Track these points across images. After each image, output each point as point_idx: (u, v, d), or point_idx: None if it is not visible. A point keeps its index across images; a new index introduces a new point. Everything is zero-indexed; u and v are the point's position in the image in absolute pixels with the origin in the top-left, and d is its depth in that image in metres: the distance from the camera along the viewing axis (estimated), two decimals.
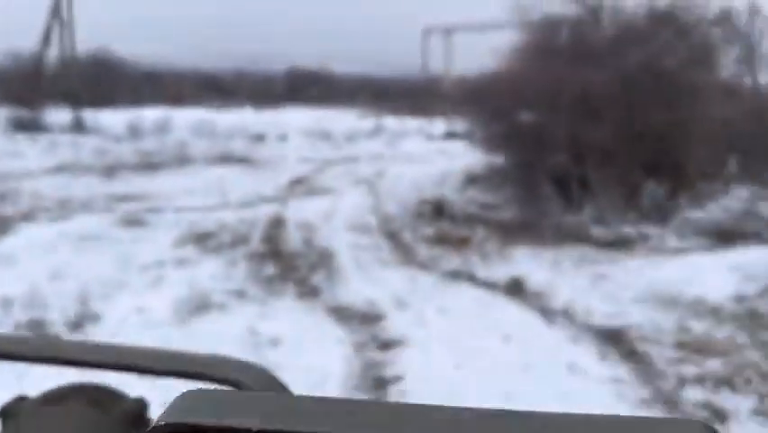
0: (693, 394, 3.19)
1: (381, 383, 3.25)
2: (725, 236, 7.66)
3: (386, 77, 37.04)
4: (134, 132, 17.74)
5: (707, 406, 3.04)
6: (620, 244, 7.24)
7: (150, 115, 18.97)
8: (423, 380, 3.27)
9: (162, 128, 18.60)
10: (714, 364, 3.57)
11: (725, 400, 3.14)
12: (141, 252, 6.20)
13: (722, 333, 4.12)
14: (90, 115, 18.14)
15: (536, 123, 9.35)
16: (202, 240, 6.81)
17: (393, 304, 4.75)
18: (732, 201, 9.50)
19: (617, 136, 8.50)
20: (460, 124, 23.42)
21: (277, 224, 7.98)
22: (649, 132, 9.42)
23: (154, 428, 0.21)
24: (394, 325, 4.20)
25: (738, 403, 3.10)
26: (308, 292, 5.23)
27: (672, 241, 7.56)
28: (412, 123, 29.26)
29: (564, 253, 6.81)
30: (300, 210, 8.89)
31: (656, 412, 3.00)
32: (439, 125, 29.47)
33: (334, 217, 8.58)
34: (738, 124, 11.70)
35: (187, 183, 11.26)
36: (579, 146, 8.63)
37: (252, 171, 13.41)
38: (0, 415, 0.34)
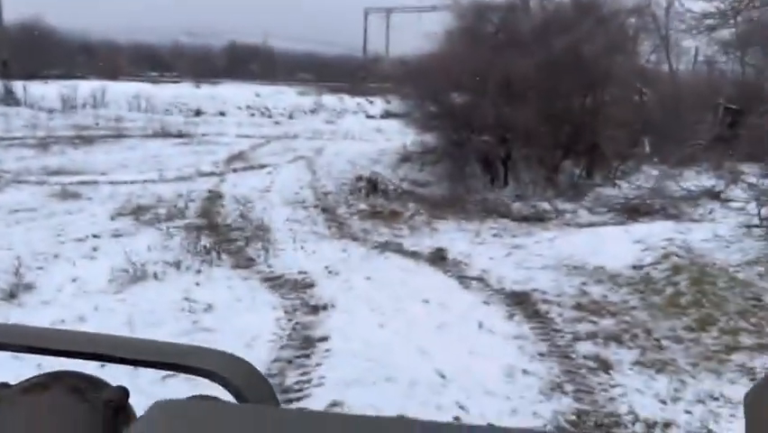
0: (585, 348, 3.68)
1: (309, 343, 3.58)
2: (633, 212, 8.38)
3: (327, 55, 36.84)
4: (68, 104, 17.09)
5: (595, 358, 3.54)
6: (537, 219, 7.82)
7: (84, 87, 18.27)
8: (348, 339, 3.61)
9: (97, 101, 17.99)
10: (606, 323, 4.09)
11: (612, 353, 3.65)
12: (77, 224, 6.24)
13: (617, 296, 4.68)
14: (21, 87, 17.30)
15: (466, 104, 9.79)
16: (138, 213, 6.88)
17: (324, 273, 5.07)
18: (642, 180, 10.26)
19: (539, 119, 9.06)
20: (398, 104, 23.78)
21: (214, 198, 8.10)
22: (569, 115, 10.07)
23: None
24: (324, 291, 4.53)
25: (623, 356, 3.61)
26: (243, 263, 5.47)
27: (585, 216, 8.21)
28: (351, 101, 29.37)
29: (486, 226, 7.32)
30: (238, 185, 9.02)
31: (551, 364, 3.47)
32: (378, 105, 29.75)
33: (272, 192, 8.77)
34: (652, 109, 12.61)
35: (123, 157, 11.11)
36: (504, 128, 9.14)
37: (190, 146, 13.30)
38: None
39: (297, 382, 2.99)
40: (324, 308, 4.12)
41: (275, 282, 4.85)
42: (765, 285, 4.83)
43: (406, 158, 11.49)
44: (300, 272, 5.12)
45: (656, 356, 3.51)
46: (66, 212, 6.77)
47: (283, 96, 28.14)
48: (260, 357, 3.26)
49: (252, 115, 24.21)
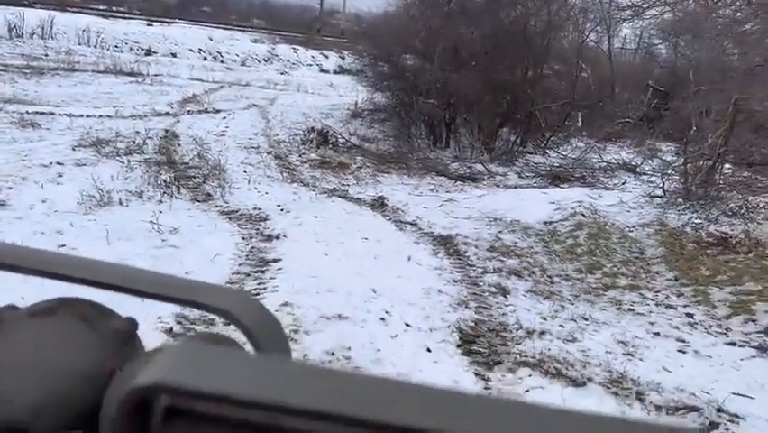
0: (490, 279, 4.48)
1: (264, 263, 4.22)
2: (555, 178, 9.31)
3: (283, 3, 36.23)
4: (15, 32, 16.52)
5: (497, 286, 4.35)
6: (471, 179, 8.61)
7: (31, 16, 17.63)
8: (297, 261, 4.27)
9: (45, 32, 17.44)
10: (512, 262, 4.92)
11: (511, 283, 4.46)
12: (40, 151, 6.55)
13: (525, 243, 5.52)
14: None
15: (416, 68, 10.39)
16: (98, 145, 7.21)
17: (276, 210, 5.68)
18: (570, 151, 11.22)
19: (482, 87, 9.77)
20: (352, 61, 24.01)
21: (171, 137, 8.46)
22: (509, 86, 10.83)
23: (137, 388, 0.20)
24: (276, 224, 5.15)
25: (519, 286, 4.43)
26: (202, 197, 5.99)
27: (514, 179, 9.07)
28: (306, 54, 29.26)
29: (425, 181, 8.06)
30: (193, 127, 9.37)
31: (461, 288, 4.22)
32: (332, 59, 29.77)
33: (226, 136, 9.19)
34: (590, 86, 13.55)
35: (75, 91, 11.15)
36: (449, 93, 9.81)
37: (143, 86, 13.35)
38: None
39: (254, 289, 3.64)
40: (277, 237, 4.76)
41: (232, 215, 5.43)
42: (650, 243, 5.79)
43: (356, 114, 12.03)
44: (255, 209, 5.71)
45: (546, 288, 4.36)
46: (27, 140, 7.03)
47: (237, 43, 27.76)
48: (222, 270, 3.89)
49: (205, 59, 23.90)
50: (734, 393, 2.89)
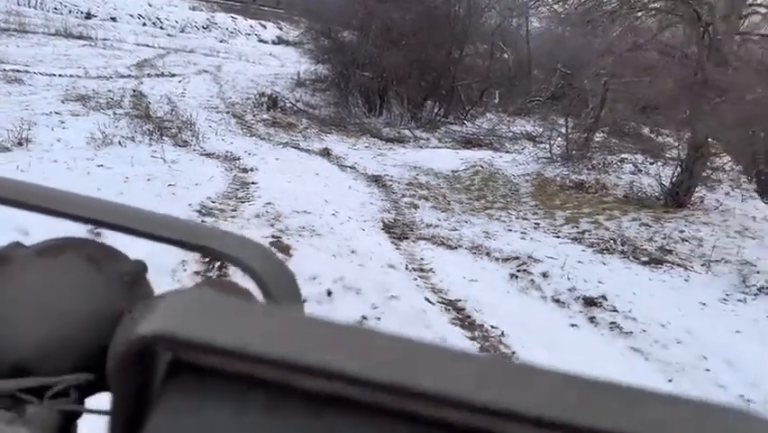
0: (406, 200, 6.30)
1: (246, 183, 5.83)
2: (468, 143, 11.25)
3: None
4: None
5: (410, 204, 6.16)
6: (399, 141, 10.41)
7: None
8: (269, 184, 5.89)
9: None
10: (423, 192, 6.76)
11: (421, 203, 6.29)
12: (36, 103, 7.76)
13: (435, 182, 7.38)
14: None
15: (354, 43, 12.01)
16: (82, 100, 8.45)
17: (245, 154, 7.25)
18: (484, 122, 13.21)
19: (410, 65, 11.53)
20: (291, 32, 25.20)
21: (139, 96, 9.73)
22: (435, 63, 12.65)
23: (138, 338, 0.20)
24: (247, 162, 6.74)
25: (426, 204, 6.27)
26: (182, 143, 7.46)
27: (434, 142, 10.94)
28: (244, 23, 30.01)
29: (361, 141, 9.79)
30: (155, 88, 10.62)
31: (386, 204, 6.00)
32: (270, 30, 30.67)
33: (187, 97, 10.51)
34: (510, 66, 15.56)
35: (35, 52, 12.01)
36: (382, 67, 11.50)
37: (96, 49, 14.22)
38: None
39: (243, 196, 5.27)
40: (251, 170, 6.37)
41: (211, 156, 6.96)
42: (526, 186, 7.78)
43: (300, 83, 13.52)
44: (227, 152, 7.25)
45: (445, 206, 6.24)
46: (20, 93, 8.19)
47: (175, 9, 28.15)
48: (219, 185, 5.48)
49: (144, 24, 24.38)
50: (547, 256, 4.83)
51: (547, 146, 10.39)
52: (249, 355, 0.19)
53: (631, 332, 3.64)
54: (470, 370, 0.19)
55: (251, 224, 4.42)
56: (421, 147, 10.29)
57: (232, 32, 28.80)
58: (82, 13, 21.62)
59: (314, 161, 7.50)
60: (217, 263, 3.42)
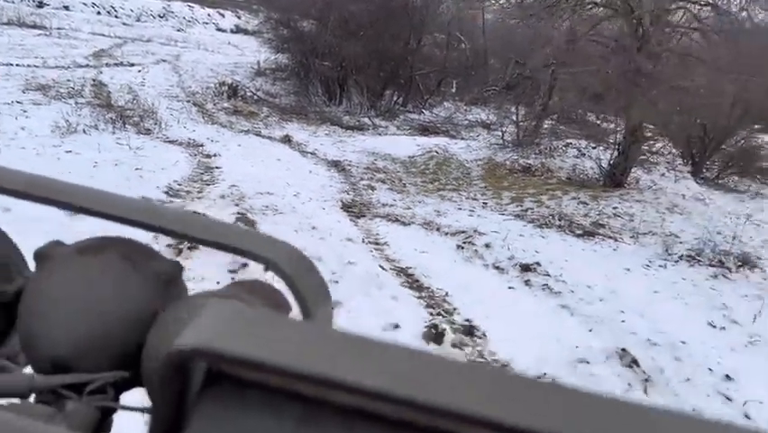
0: (364, 183, 6.67)
1: (210, 168, 6.10)
2: (425, 130, 11.68)
3: None
4: None
5: (368, 186, 6.54)
6: (359, 129, 10.76)
7: None
8: (232, 168, 6.18)
9: None
10: (380, 175, 7.15)
11: (378, 185, 6.68)
12: None
13: (392, 167, 7.78)
14: None
15: (313, 33, 12.26)
16: (42, 90, 8.52)
17: (208, 141, 7.49)
18: (442, 111, 13.67)
19: (368, 55, 11.87)
20: (250, 21, 25.13)
21: (100, 85, 9.81)
22: (393, 53, 13.01)
23: (176, 352, 0.20)
24: (211, 148, 7.00)
25: (383, 187, 6.66)
26: (144, 131, 7.64)
27: (393, 130, 11.33)
28: (202, 12, 29.73)
29: (322, 129, 10.10)
30: (115, 77, 10.69)
31: (345, 186, 6.36)
32: (229, 18, 30.46)
33: (147, 87, 10.62)
34: (468, 57, 16.02)
35: None
36: (341, 57, 11.80)
37: (51, 39, 14.07)
38: (35, 257, 0.34)
39: (208, 179, 5.56)
40: (214, 155, 6.64)
41: (174, 142, 7.19)
42: (477, 169, 8.25)
43: (260, 72, 13.69)
44: (190, 139, 7.48)
45: (400, 188, 6.65)
46: None
47: None
48: (184, 169, 5.75)
49: (98, 13, 23.97)
50: (492, 231, 5.29)
51: (500, 133, 10.91)
52: (284, 371, 0.19)
53: (560, 292, 4.12)
54: (504, 390, 0.19)
55: (216, 204, 4.73)
56: (380, 135, 10.65)
57: (189, 21, 28.52)
58: (34, 1, 21.15)
59: (275, 147, 7.80)
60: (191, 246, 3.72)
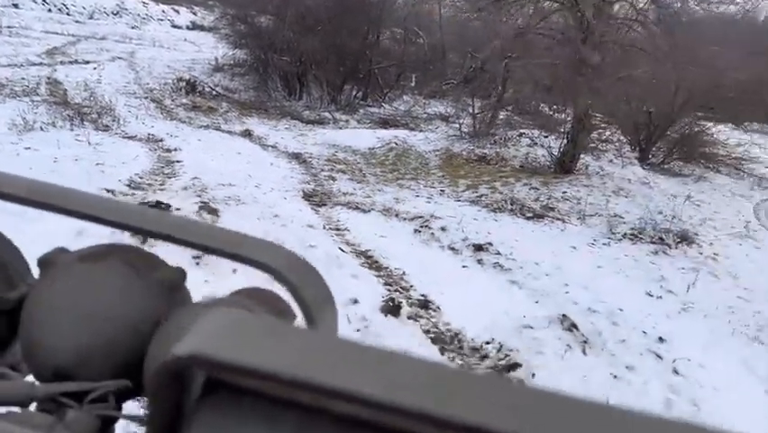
0: (325, 174, 6.84)
1: (170, 161, 6.17)
2: (386, 124, 11.89)
3: None
4: None
5: (329, 177, 6.71)
6: (319, 123, 10.90)
7: None
8: (192, 162, 6.25)
9: None
10: (341, 167, 7.32)
11: (338, 176, 6.86)
12: None
13: (352, 158, 7.96)
14: None
15: (271, 28, 12.32)
16: None
17: (167, 136, 7.53)
18: (401, 104, 13.90)
19: (327, 49, 11.99)
20: (207, 17, 24.87)
21: (55, 83, 9.69)
22: (350, 49, 13.16)
23: (173, 359, 0.20)
24: (170, 143, 7.05)
25: (344, 177, 6.84)
26: (102, 127, 7.63)
27: (354, 124, 11.50)
28: (156, 8, 29.28)
29: (282, 123, 10.20)
30: (70, 75, 10.55)
31: (306, 177, 6.52)
32: (184, 15, 30.06)
33: (103, 84, 10.52)
34: (426, 51, 16.25)
35: None
36: (300, 52, 11.90)
37: (3, 37, 13.74)
38: (38, 264, 0.34)
39: (169, 172, 5.65)
40: (175, 150, 6.70)
41: (133, 138, 7.21)
42: (435, 160, 8.50)
43: (218, 68, 13.67)
44: (149, 135, 7.50)
45: (361, 178, 6.84)
46: None
47: None
48: (144, 163, 5.81)
49: (49, 10, 23.39)
50: (448, 215, 5.54)
51: (458, 125, 11.20)
52: (281, 378, 0.19)
53: (510, 269, 4.39)
54: (502, 397, 0.19)
55: (179, 195, 4.84)
56: (340, 128, 10.81)
57: (143, 18, 28.06)
58: None
59: (236, 141, 7.89)
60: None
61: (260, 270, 0.33)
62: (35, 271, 0.35)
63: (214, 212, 4.29)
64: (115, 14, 27.09)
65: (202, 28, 25.91)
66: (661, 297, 4.35)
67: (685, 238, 5.66)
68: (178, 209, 4.23)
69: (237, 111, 10.49)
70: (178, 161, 6.19)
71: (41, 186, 0.37)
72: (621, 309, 3.88)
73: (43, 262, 0.34)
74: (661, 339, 3.61)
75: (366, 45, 13.68)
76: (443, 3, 15.38)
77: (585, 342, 3.26)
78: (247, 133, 8.49)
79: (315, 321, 0.32)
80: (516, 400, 0.19)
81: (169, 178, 5.45)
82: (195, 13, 30.46)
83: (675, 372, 3.27)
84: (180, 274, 0.35)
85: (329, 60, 12.70)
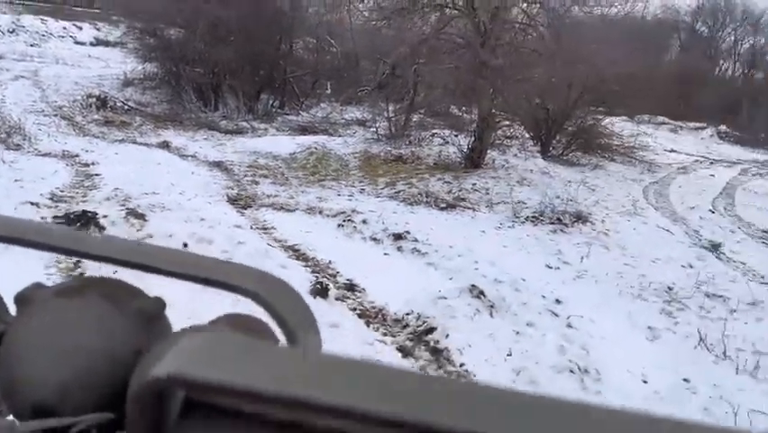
0: (248, 179, 7.04)
1: (90, 176, 6.18)
2: (305, 130, 12.14)
3: None
4: None
5: (252, 182, 6.92)
6: (238, 132, 11.01)
7: None
8: (112, 175, 6.28)
9: None
10: (263, 171, 7.54)
11: (261, 180, 7.08)
12: None
13: (273, 164, 8.19)
14: None
15: (181, 41, 12.29)
16: None
17: (82, 151, 7.47)
18: (319, 112, 14.18)
19: (241, 59, 12.11)
20: (113, 33, 24.12)
21: None
22: (265, 58, 13.34)
23: (153, 380, 0.20)
24: (87, 158, 7.01)
25: (266, 181, 7.07)
26: (14, 146, 7.45)
27: (272, 131, 11.68)
28: (56, 25, 27.99)
29: (199, 134, 10.25)
30: None
31: (230, 183, 6.70)
32: (87, 31, 28.92)
33: (8, 103, 10.14)
34: (340, 59, 16.58)
35: None
36: (213, 63, 11.95)
37: None
38: (15, 300, 0.34)
39: (90, 185, 5.68)
40: (92, 164, 6.69)
41: (48, 155, 7.11)
42: (354, 161, 8.87)
43: (128, 83, 13.41)
44: (64, 151, 7.41)
45: (283, 181, 7.11)
46: None
47: None
48: (64, 177, 5.81)
49: None
50: (369, 210, 5.91)
51: (374, 129, 11.64)
52: (257, 395, 0.19)
53: (427, 253, 4.81)
54: (484, 404, 0.19)
55: (102, 206, 4.92)
56: (259, 136, 10.97)
57: (43, 36, 26.75)
58: None
59: (154, 153, 7.92)
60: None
61: (242, 295, 0.33)
62: (12, 309, 0.34)
63: (141, 217, 4.44)
64: (11, 32, 25.65)
65: (107, 43, 25.06)
66: (558, 267, 4.91)
67: (580, 218, 6.32)
68: (104, 216, 4.35)
69: (152, 124, 10.43)
70: (97, 175, 6.21)
71: (13, 222, 0.37)
72: (524, 279, 4.39)
73: (20, 298, 0.34)
74: (557, 301, 4.14)
75: (280, 55, 13.90)
76: (353, 12, 15.83)
77: (492, 306, 3.71)
78: (165, 145, 8.52)
79: (297, 343, 0.32)
80: (485, 402, 0.19)
81: (90, 190, 5.50)
82: (98, 29, 29.34)
83: (569, 326, 3.79)
84: (159, 304, 0.34)
85: (243, 70, 12.81)
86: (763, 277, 5.66)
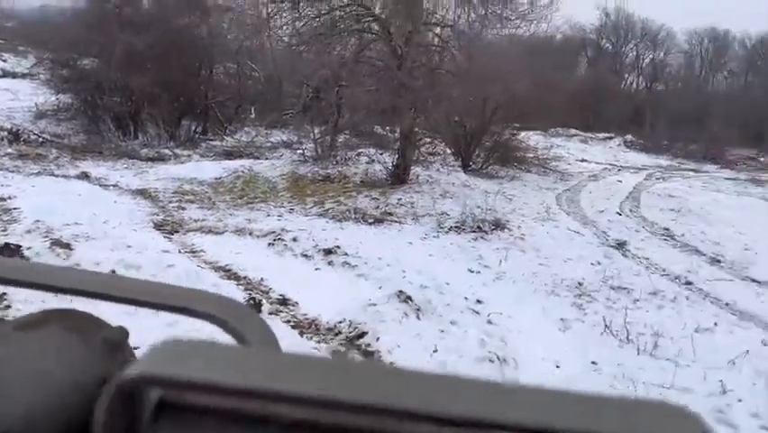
0: (173, 205, 7.02)
1: (8, 210, 5.99)
2: (230, 155, 12.12)
3: None
4: None
5: (178, 208, 6.90)
6: (160, 159, 10.86)
7: None
8: (32, 207, 6.12)
9: None
10: (190, 197, 7.52)
11: (188, 205, 7.06)
12: None
13: (200, 189, 8.18)
14: None
15: (95, 70, 12.04)
16: None
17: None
18: (243, 136, 14.17)
19: (159, 85, 11.98)
20: (20, 64, 23.11)
21: None
22: (184, 84, 13.24)
23: (125, 381, 0.21)
24: (2, 192, 6.78)
25: (193, 206, 7.06)
26: None
27: (196, 158, 11.59)
28: None
29: (120, 163, 10.05)
30: None
31: (155, 209, 6.66)
32: None
33: None
34: (262, 84, 16.61)
35: None
36: (130, 91, 11.76)
37: None
38: None
39: (8, 219, 5.53)
40: (9, 198, 6.48)
41: None
42: (282, 183, 8.99)
43: (41, 114, 12.94)
44: None
45: (211, 205, 7.13)
46: None
47: None
48: None
49: None
50: (298, 228, 6.05)
51: (301, 150, 11.80)
52: (225, 388, 0.20)
53: (357, 266, 5.02)
54: (429, 386, 0.20)
55: (24, 238, 4.82)
56: (183, 163, 10.86)
57: None
58: None
59: (73, 184, 7.74)
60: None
61: (197, 318, 0.34)
62: None
63: (66, 246, 4.40)
64: None
65: (14, 75, 23.95)
66: (479, 271, 5.24)
67: (498, 225, 6.73)
68: (28, 248, 4.28)
69: (69, 155, 10.13)
70: (15, 208, 6.03)
71: None
72: (448, 283, 4.67)
73: None
74: (479, 301, 4.44)
75: (200, 81, 13.84)
76: (273, 38, 16.00)
77: (418, 309, 3.95)
78: (84, 176, 8.33)
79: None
80: (445, 387, 0.21)
81: (10, 224, 5.36)
82: (4, 60, 27.99)
83: (489, 322, 4.08)
84: (122, 333, 0.34)
85: (162, 98, 12.66)
86: (664, 270, 6.23)
